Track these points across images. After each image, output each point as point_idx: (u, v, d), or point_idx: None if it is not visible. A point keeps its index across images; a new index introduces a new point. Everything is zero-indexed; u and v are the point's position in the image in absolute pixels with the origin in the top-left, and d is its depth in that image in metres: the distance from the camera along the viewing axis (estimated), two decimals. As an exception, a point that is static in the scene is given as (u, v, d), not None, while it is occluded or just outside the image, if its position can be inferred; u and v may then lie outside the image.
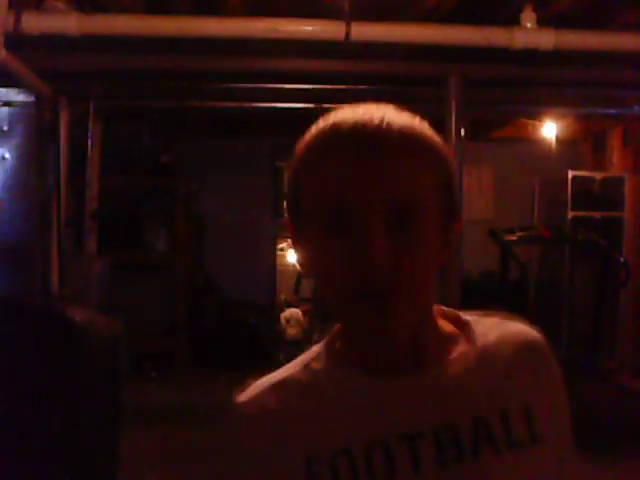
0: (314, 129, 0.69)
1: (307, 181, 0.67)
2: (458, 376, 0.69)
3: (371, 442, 0.66)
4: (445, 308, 0.76)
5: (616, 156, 5.68)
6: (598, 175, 5.58)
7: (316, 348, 0.75)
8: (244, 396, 0.77)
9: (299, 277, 5.55)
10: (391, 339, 0.65)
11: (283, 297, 5.91)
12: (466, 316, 0.75)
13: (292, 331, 5.65)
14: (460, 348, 0.71)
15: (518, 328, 0.75)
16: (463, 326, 0.73)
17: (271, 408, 0.72)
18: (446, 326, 0.74)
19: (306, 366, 0.74)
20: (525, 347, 0.73)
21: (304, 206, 0.68)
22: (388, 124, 0.63)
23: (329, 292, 0.66)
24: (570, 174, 5.42)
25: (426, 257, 0.65)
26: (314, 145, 0.67)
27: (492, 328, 0.74)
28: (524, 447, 0.68)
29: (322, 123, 0.68)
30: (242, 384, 0.84)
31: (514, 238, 4.58)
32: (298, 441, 0.69)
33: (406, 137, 0.64)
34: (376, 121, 0.63)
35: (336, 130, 0.65)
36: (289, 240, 0.78)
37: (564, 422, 0.76)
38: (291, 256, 5.87)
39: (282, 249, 5.94)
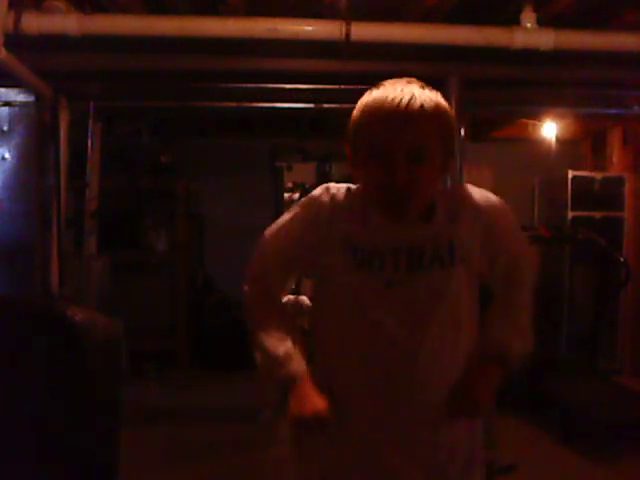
0: (366, 99, 1.19)
1: (361, 131, 1.18)
2: (435, 224, 1.22)
3: (375, 250, 1.20)
4: (459, 186, 1.35)
5: (616, 156, 5.68)
6: (598, 175, 5.58)
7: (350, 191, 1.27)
8: (330, 187, 1.28)
9: (299, 277, 5.54)
10: (404, 215, 1.20)
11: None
12: (464, 189, 1.30)
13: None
14: (438, 216, 1.23)
15: (480, 199, 1.29)
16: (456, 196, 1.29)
17: (335, 202, 1.25)
18: (445, 200, 1.26)
19: (361, 194, 1.25)
20: (477, 209, 1.26)
21: (359, 144, 1.18)
22: (412, 100, 1.12)
23: (370, 188, 1.20)
24: (570, 174, 5.42)
25: (428, 177, 1.16)
26: (366, 110, 1.17)
27: (462, 199, 1.27)
28: (457, 265, 1.22)
29: (372, 95, 1.18)
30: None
31: (514, 238, 4.57)
32: (344, 229, 1.23)
33: (422, 109, 1.12)
34: (406, 98, 1.12)
35: (381, 102, 1.14)
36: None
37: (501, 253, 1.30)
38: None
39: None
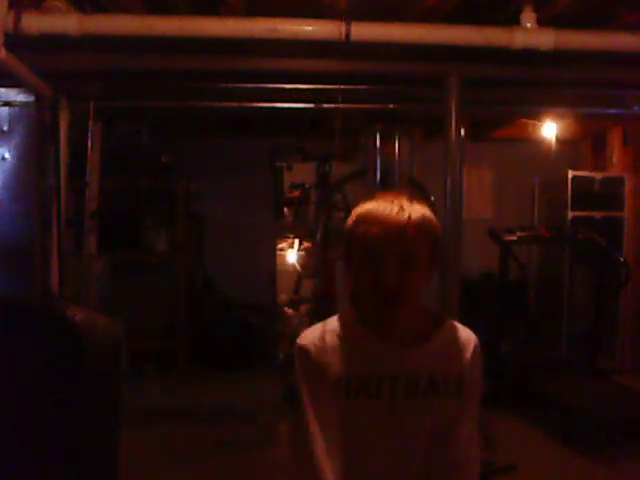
0: (360, 210, 1.30)
1: (356, 238, 1.28)
2: (430, 352, 1.30)
3: (371, 374, 1.26)
4: (429, 309, 1.39)
5: (616, 156, 5.68)
6: (598, 175, 5.58)
7: (339, 319, 1.35)
8: (303, 336, 1.33)
9: (299, 277, 5.55)
10: (394, 323, 1.29)
11: (283, 297, 5.90)
12: (440, 317, 1.37)
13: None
14: (440, 337, 1.32)
15: (465, 332, 1.36)
16: (438, 322, 1.35)
17: (317, 343, 1.30)
18: (426, 320, 1.35)
19: (342, 322, 1.33)
20: (464, 343, 1.34)
21: (353, 250, 1.29)
22: (401, 211, 1.24)
23: (362, 295, 1.30)
24: (570, 174, 5.43)
25: (417, 283, 1.27)
26: (360, 219, 1.28)
27: (452, 328, 1.36)
28: (452, 396, 1.28)
29: (365, 207, 1.29)
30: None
31: (514, 238, 4.58)
32: (332, 366, 1.27)
33: (415, 223, 1.24)
34: (395, 209, 1.24)
35: (374, 212, 1.26)
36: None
37: (477, 391, 1.35)
38: (291, 256, 5.87)
39: (282, 249, 5.93)
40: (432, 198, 4.30)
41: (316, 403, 1.27)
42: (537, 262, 5.94)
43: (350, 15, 2.75)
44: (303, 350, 1.31)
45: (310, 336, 1.32)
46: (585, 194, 5.47)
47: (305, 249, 5.70)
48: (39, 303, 2.24)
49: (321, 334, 1.32)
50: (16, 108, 3.18)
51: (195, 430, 3.92)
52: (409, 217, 1.24)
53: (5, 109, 3.16)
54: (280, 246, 5.92)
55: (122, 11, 2.82)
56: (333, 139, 5.54)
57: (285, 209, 5.71)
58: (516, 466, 3.40)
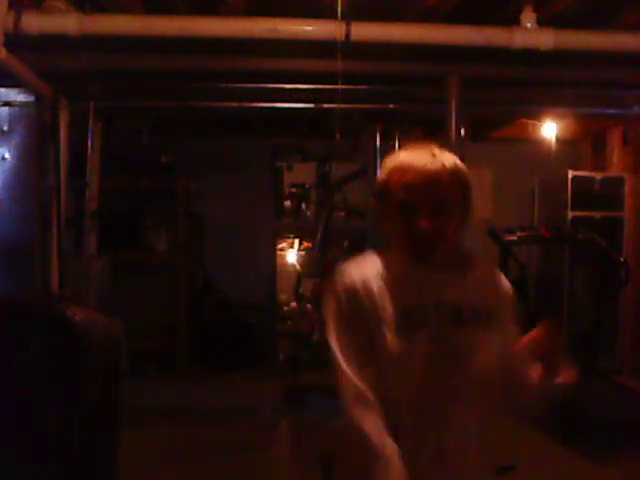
0: (392, 161, 1.32)
1: (390, 190, 1.30)
2: (470, 282, 1.35)
3: (418, 305, 1.28)
4: (468, 249, 1.45)
5: (616, 156, 5.68)
6: (598, 175, 5.58)
7: (378, 255, 1.37)
8: (350, 265, 1.35)
9: (299, 277, 5.55)
10: (431, 260, 1.30)
11: (283, 297, 5.90)
12: (476, 256, 1.42)
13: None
14: (475, 272, 1.38)
15: (506, 280, 1.46)
16: (475, 259, 1.41)
17: (365, 274, 1.32)
18: (463, 258, 1.39)
19: (383, 257, 1.35)
20: (502, 288, 1.43)
21: (387, 201, 1.31)
22: (435, 160, 1.27)
23: (398, 236, 1.31)
24: (570, 174, 5.42)
25: (450, 228, 1.29)
26: (394, 171, 1.30)
27: (489, 266, 1.46)
28: (490, 328, 1.31)
29: (398, 158, 1.32)
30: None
31: (514, 238, 4.58)
32: (378, 297, 1.28)
33: (444, 167, 1.28)
34: (429, 158, 1.28)
35: (407, 163, 1.29)
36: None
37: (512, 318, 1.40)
38: (291, 256, 5.87)
39: (282, 249, 5.93)
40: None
41: (355, 337, 1.27)
42: (537, 262, 5.94)
43: (350, 15, 2.75)
44: (348, 285, 1.30)
45: (352, 270, 1.33)
46: (585, 194, 5.47)
47: (305, 249, 5.70)
48: (39, 303, 2.24)
49: (367, 268, 1.33)
50: (16, 108, 3.18)
51: (195, 430, 3.91)
52: (443, 164, 1.28)
53: (5, 109, 3.16)
54: (280, 246, 5.92)
55: (122, 11, 2.82)
56: (333, 139, 5.55)
57: (287, 202, 5.71)
58: (516, 466, 3.40)
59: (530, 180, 5.96)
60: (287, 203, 5.68)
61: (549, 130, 5.22)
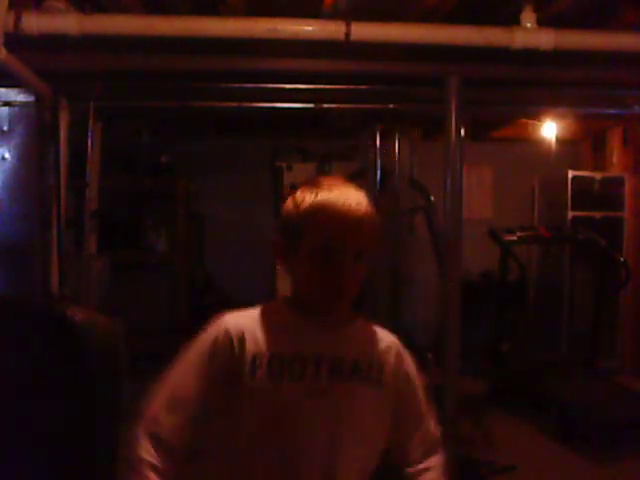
0: (311, 199, 1.20)
1: (309, 231, 1.19)
2: (352, 337, 1.25)
3: (295, 354, 1.18)
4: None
5: (616, 156, 5.69)
6: (598, 175, 5.58)
7: (262, 308, 1.28)
8: (227, 316, 1.27)
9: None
10: (329, 314, 1.24)
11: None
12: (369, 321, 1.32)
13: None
14: (358, 326, 1.28)
15: (390, 336, 1.32)
16: (356, 313, 1.29)
17: (240, 322, 1.24)
18: (355, 316, 1.30)
19: (265, 308, 1.28)
20: (389, 341, 1.30)
21: (301, 243, 1.20)
22: (358, 203, 1.19)
23: (309, 289, 1.21)
24: (570, 174, 5.43)
25: (362, 276, 1.21)
26: (316, 210, 1.18)
27: (376, 329, 1.31)
28: (375, 384, 1.23)
29: (317, 197, 1.19)
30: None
31: (514, 238, 4.58)
32: (251, 344, 1.19)
33: (365, 215, 1.19)
34: (353, 200, 1.19)
35: (332, 203, 1.18)
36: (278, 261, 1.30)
37: (411, 384, 1.31)
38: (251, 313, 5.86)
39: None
40: (432, 198, 4.31)
41: (207, 385, 1.20)
42: (537, 262, 5.94)
43: (350, 15, 2.75)
44: (221, 327, 1.24)
45: (235, 317, 1.25)
46: (585, 194, 5.47)
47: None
48: (39, 303, 2.24)
49: (246, 316, 1.25)
50: (16, 108, 3.18)
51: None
52: (365, 210, 1.20)
53: (5, 109, 3.16)
54: (280, 246, 5.92)
55: (122, 11, 2.82)
56: (333, 139, 5.55)
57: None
58: (516, 466, 3.40)
59: (530, 180, 5.97)
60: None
61: (549, 130, 5.23)
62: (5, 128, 3.16)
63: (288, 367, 1.17)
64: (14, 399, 1.65)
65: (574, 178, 5.44)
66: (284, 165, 5.74)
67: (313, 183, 1.23)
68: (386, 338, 1.30)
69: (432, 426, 1.33)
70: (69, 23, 2.64)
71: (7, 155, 3.16)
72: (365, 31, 2.78)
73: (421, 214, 4.46)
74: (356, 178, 4.66)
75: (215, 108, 4.19)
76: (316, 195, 1.20)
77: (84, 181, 3.65)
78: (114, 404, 1.77)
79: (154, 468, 1.17)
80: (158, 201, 5.52)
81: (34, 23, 2.60)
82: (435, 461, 1.31)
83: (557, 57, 2.93)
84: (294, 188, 1.30)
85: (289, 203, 1.24)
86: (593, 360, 4.77)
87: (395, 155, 4.38)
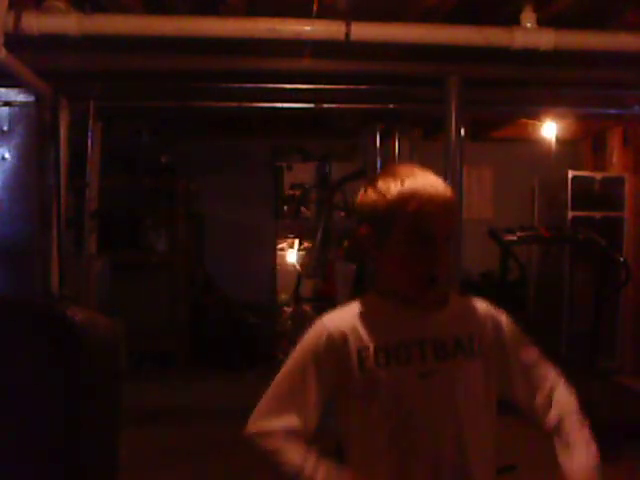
0: (400, 187, 1.20)
1: (410, 215, 1.18)
2: (449, 316, 1.26)
3: (398, 342, 1.21)
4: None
5: (616, 156, 5.68)
6: (598, 175, 5.58)
7: (360, 302, 1.29)
8: (325, 318, 1.27)
9: (299, 277, 5.55)
10: (433, 296, 1.24)
11: (283, 297, 5.91)
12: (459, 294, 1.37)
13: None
14: (453, 304, 1.29)
15: (483, 304, 1.34)
16: (454, 295, 1.32)
17: (339, 322, 1.25)
18: (448, 294, 1.30)
19: (360, 303, 1.28)
20: (484, 309, 1.32)
21: (396, 231, 1.20)
22: (446, 187, 1.22)
23: (403, 277, 1.22)
24: (570, 174, 5.42)
25: (449, 258, 1.23)
26: (414, 195, 1.19)
27: (468, 299, 1.34)
28: (479, 356, 1.25)
29: (406, 183, 1.20)
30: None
31: (514, 238, 4.57)
32: (354, 341, 1.21)
33: (451, 198, 1.23)
34: (441, 184, 1.22)
35: (424, 189, 1.20)
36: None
37: (515, 347, 1.34)
38: (291, 256, 5.87)
39: (282, 249, 5.93)
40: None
41: (322, 385, 1.21)
42: (537, 262, 5.94)
43: (350, 15, 2.75)
44: (322, 328, 1.24)
45: (334, 318, 1.26)
46: (585, 194, 5.46)
47: (305, 249, 5.70)
48: (39, 303, 2.24)
49: (344, 315, 1.27)
50: (16, 108, 3.18)
51: (195, 430, 3.91)
52: (451, 194, 1.23)
53: (5, 109, 3.16)
54: (280, 246, 5.93)
55: (122, 11, 2.82)
56: (333, 139, 5.55)
57: (285, 207, 5.72)
58: (516, 466, 3.40)
59: (530, 180, 5.96)
60: (287, 203, 5.68)
61: (549, 130, 5.22)
62: (5, 128, 3.16)
63: (394, 355, 1.20)
64: (14, 399, 1.65)
65: (574, 178, 5.43)
66: (284, 165, 5.74)
67: (392, 172, 1.24)
68: (480, 308, 1.31)
69: (550, 372, 1.40)
70: (69, 23, 2.64)
71: (7, 155, 3.16)
72: (365, 31, 2.78)
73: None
74: (356, 178, 4.66)
75: (215, 108, 4.19)
76: (402, 183, 1.20)
77: (84, 181, 3.65)
78: (114, 404, 1.77)
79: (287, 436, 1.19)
80: (158, 201, 5.52)
81: (34, 23, 2.60)
82: (563, 405, 1.36)
83: (557, 57, 2.93)
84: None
85: (371, 194, 1.23)
86: (593, 360, 4.77)
87: (395, 155, 4.38)
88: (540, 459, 3.84)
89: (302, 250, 5.79)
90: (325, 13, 2.80)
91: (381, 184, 1.23)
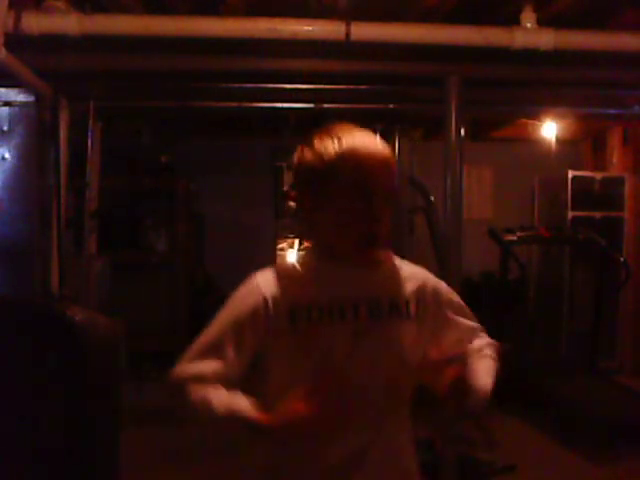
0: (336, 146, 1.19)
1: (348, 170, 1.17)
2: (386, 277, 1.27)
3: (332, 300, 1.20)
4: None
5: (616, 156, 5.68)
6: (598, 175, 5.58)
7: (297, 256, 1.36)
8: (258, 274, 1.28)
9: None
10: (370, 254, 1.23)
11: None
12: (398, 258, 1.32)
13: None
14: (389, 265, 1.29)
15: (422, 270, 1.34)
16: (392, 257, 1.30)
17: (272, 279, 1.25)
18: (385, 255, 1.29)
19: (295, 262, 1.29)
20: (419, 277, 1.30)
21: (332, 190, 1.18)
22: (384, 149, 1.21)
23: (341, 236, 1.20)
24: (570, 174, 5.43)
25: (389, 219, 1.21)
26: (345, 155, 1.17)
27: (407, 265, 1.32)
28: (414, 319, 1.25)
29: (342, 142, 1.19)
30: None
31: (514, 238, 4.58)
32: (286, 298, 1.20)
33: (390, 156, 1.22)
34: (379, 143, 1.21)
35: (360, 147, 1.18)
36: (295, 214, 1.16)
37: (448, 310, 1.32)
38: (291, 256, 5.87)
39: (282, 249, 5.93)
40: (432, 198, 4.30)
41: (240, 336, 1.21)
42: (537, 262, 5.94)
43: (350, 15, 2.75)
44: (253, 285, 1.25)
45: (267, 277, 1.26)
46: (585, 194, 5.47)
47: (305, 249, 5.70)
48: (39, 303, 2.24)
49: (277, 273, 1.26)
50: (16, 108, 3.18)
51: (195, 430, 3.91)
52: (389, 152, 1.21)
53: (5, 109, 3.16)
54: (280, 246, 5.93)
55: (122, 11, 2.82)
56: (333, 139, 5.55)
57: (288, 202, 5.71)
58: (516, 466, 3.40)
59: (530, 180, 5.96)
60: (287, 203, 5.68)
61: (549, 130, 5.22)
62: (5, 128, 3.16)
63: (327, 312, 1.19)
64: (14, 399, 1.65)
65: (574, 178, 5.44)
66: (284, 165, 5.74)
67: (327, 132, 1.22)
68: (419, 274, 1.31)
69: (476, 327, 1.35)
70: (69, 23, 2.64)
71: (7, 155, 3.16)
72: (365, 31, 2.78)
73: (421, 214, 4.46)
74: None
75: (215, 108, 4.19)
76: (339, 141, 1.19)
77: (84, 181, 3.65)
78: (114, 404, 1.77)
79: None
80: (158, 201, 5.52)
81: (34, 23, 2.60)
82: (480, 342, 1.33)
83: (557, 57, 2.93)
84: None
85: (307, 154, 1.21)
86: (593, 360, 4.77)
87: (395, 155, 4.38)
88: (540, 459, 3.87)
89: (302, 250, 5.79)
90: (325, 13, 2.80)
91: (317, 144, 1.21)
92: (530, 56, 2.89)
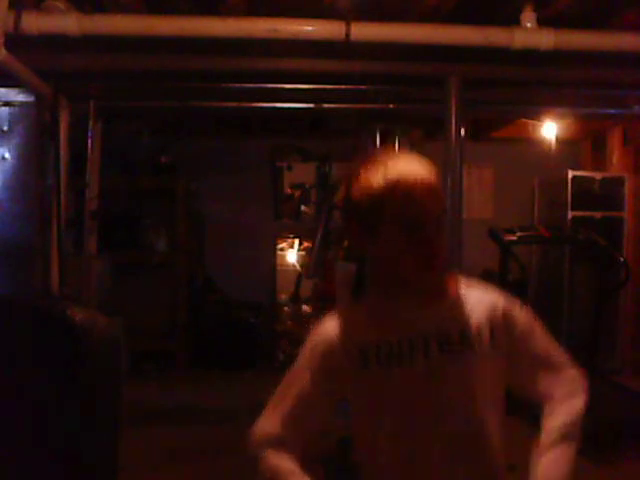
0: (380, 176, 1.15)
1: (399, 202, 1.14)
2: (454, 306, 1.22)
3: (401, 337, 1.17)
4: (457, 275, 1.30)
5: (616, 156, 5.68)
6: (598, 175, 5.58)
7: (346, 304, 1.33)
8: (326, 318, 1.25)
9: (299, 277, 5.55)
10: (431, 281, 1.20)
11: (283, 297, 5.91)
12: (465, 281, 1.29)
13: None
14: (457, 293, 1.24)
15: (493, 293, 1.29)
16: (458, 284, 1.27)
17: (339, 322, 1.23)
18: (450, 284, 1.26)
19: (360, 301, 1.31)
20: (488, 302, 1.25)
21: (383, 224, 1.16)
22: (430, 174, 1.17)
23: (400, 264, 1.17)
24: (570, 174, 5.42)
25: (444, 246, 1.20)
26: (401, 182, 1.14)
27: (475, 289, 1.28)
28: (487, 349, 1.20)
29: (387, 172, 1.15)
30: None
31: (514, 238, 4.57)
32: (357, 341, 1.19)
33: (436, 181, 1.18)
34: (423, 171, 1.17)
35: (405, 176, 1.15)
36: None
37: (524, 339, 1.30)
38: (291, 256, 5.87)
39: (282, 249, 5.93)
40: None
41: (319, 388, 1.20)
42: (537, 262, 5.94)
43: (350, 15, 2.75)
44: (322, 332, 1.23)
45: (335, 319, 1.23)
46: (585, 194, 5.46)
47: (305, 249, 5.70)
48: (39, 303, 2.24)
49: (345, 316, 1.25)
50: (16, 108, 3.18)
51: (195, 430, 3.91)
52: (435, 177, 1.18)
53: (5, 109, 3.16)
54: (280, 246, 5.92)
55: (122, 11, 2.82)
56: (333, 139, 5.55)
57: (287, 202, 5.71)
58: (516, 466, 3.39)
59: (530, 180, 5.96)
60: (287, 203, 5.68)
61: (549, 130, 5.22)
62: (5, 128, 3.16)
63: (397, 353, 1.17)
64: (14, 399, 1.65)
65: (574, 178, 5.43)
66: (284, 165, 5.74)
67: (371, 162, 1.19)
68: (488, 298, 1.26)
69: (567, 368, 1.37)
70: (69, 23, 2.64)
71: (7, 155, 3.16)
72: (365, 31, 2.78)
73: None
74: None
75: (215, 108, 4.19)
76: (385, 172, 1.16)
77: (84, 181, 3.66)
78: (114, 404, 1.77)
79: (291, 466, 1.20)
80: (158, 201, 5.53)
81: (34, 23, 2.60)
82: (568, 407, 1.37)
83: (557, 57, 2.93)
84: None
85: (353, 189, 1.19)
86: (593, 360, 4.77)
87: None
88: (540, 459, 3.82)
89: (302, 250, 5.79)
90: (325, 13, 2.80)
91: (362, 177, 1.18)
92: (530, 56, 2.89)
